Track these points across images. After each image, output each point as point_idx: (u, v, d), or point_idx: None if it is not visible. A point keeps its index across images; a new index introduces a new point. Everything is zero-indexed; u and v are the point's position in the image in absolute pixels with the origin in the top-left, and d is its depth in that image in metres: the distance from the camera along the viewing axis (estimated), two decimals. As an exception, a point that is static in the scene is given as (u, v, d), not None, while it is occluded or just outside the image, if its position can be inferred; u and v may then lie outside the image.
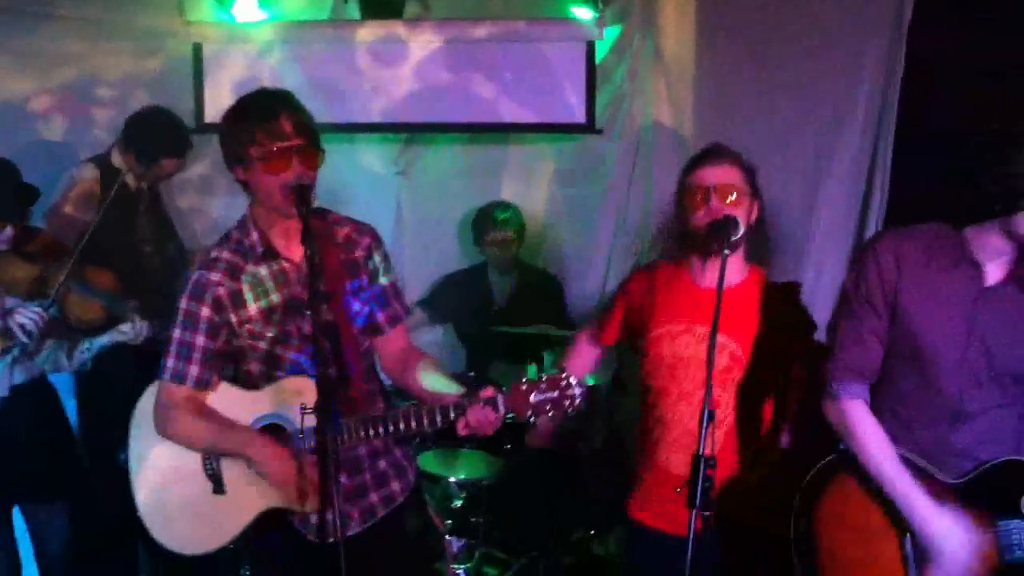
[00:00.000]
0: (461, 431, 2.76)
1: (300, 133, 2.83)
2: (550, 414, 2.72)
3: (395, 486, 3.12)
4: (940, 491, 2.71)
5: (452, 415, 2.75)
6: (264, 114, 2.84)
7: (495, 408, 2.71)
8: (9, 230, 3.95)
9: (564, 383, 2.71)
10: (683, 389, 3.19)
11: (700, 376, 3.11)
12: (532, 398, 2.69)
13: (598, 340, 3.56)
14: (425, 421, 2.79)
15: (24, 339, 3.80)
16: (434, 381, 2.95)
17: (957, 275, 2.72)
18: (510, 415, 2.75)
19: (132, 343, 4.17)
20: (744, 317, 3.16)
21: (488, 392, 2.73)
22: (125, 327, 4.14)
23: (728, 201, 3.11)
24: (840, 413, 2.82)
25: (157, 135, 4.68)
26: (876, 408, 2.83)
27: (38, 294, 3.98)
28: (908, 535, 2.74)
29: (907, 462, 2.74)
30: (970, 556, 2.67)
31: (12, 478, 4.07)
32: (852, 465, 2.81)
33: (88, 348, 4.14)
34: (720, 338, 3.11)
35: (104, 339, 4.16)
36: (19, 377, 4.05)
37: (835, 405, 2.84)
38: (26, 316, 3.79)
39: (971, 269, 2.71)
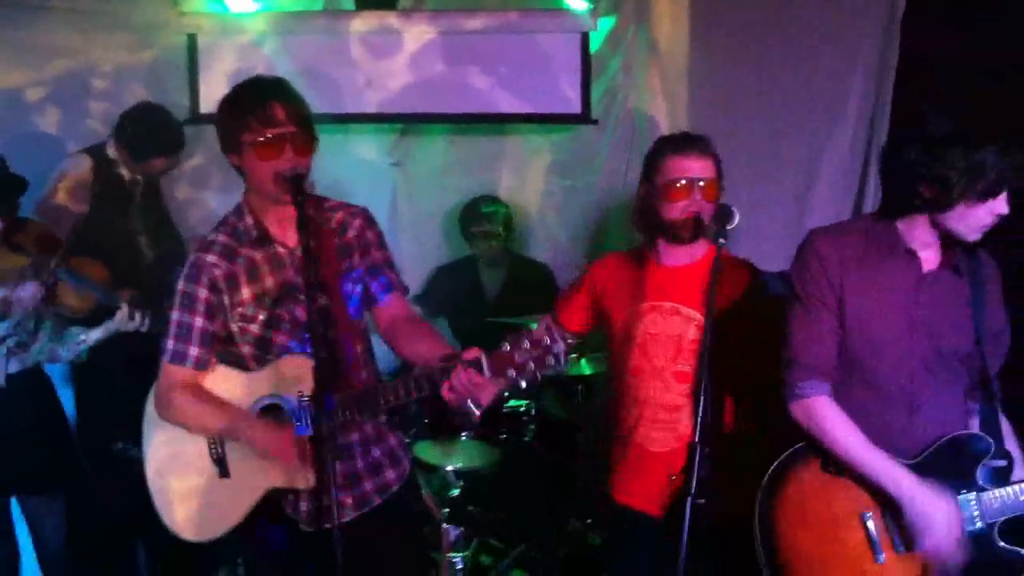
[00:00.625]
0: (446, 395, 2.72)
1: (293, 121, 2.85)
2: (535, 371, 2.70)
3: (390, 475, 3.14)
4: None
5: (438, 379, 2.74)
6: (256, 101, 2.86)
7: (479, 370, 2.69)
8: None
9: (547, 340, 2.69)
10: (655, 365, 3.24)
11: (671, 351, 3.21)
12: (516, 358, 2.68)
13: (560, 326, 3.53)
14: (412, 388, 2.79)
15: (19, 313, 3.80)
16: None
17: (896, 265, 2.80)
18: (511, 400, 2.75)
19: (126, 330, 4.17)
20: (705, 290, 3.15)
21: (473, 353, 2.71)
22: (117, 314, 4.15)
23: (709, 195, 3.20)
24: (808, 411, 2.81)
25: (149, 133, 4.70)
26: (844, 402, 2.85)
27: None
28: (870, 519, 2.77)
29: None
30: (959, 522, 2.70)
31: (7, 469, 4.09)
32: (806, 461, 2.83)
33: (84, 339, 4.14)
34: (686, 311, 3.20)
35: (99, 332, 4.17)
36: (13, 367, 4.06)
37: (801, 404, 2.83)
38: (26, 290, 3.80)
39: (908, 258, 2.80)
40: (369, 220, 3.14)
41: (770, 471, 2.85)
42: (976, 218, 2.67)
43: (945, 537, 2.68)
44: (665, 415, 3.21)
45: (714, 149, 3.28)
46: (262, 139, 2.83)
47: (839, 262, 2.81)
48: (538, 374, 2.70)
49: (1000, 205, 2.65)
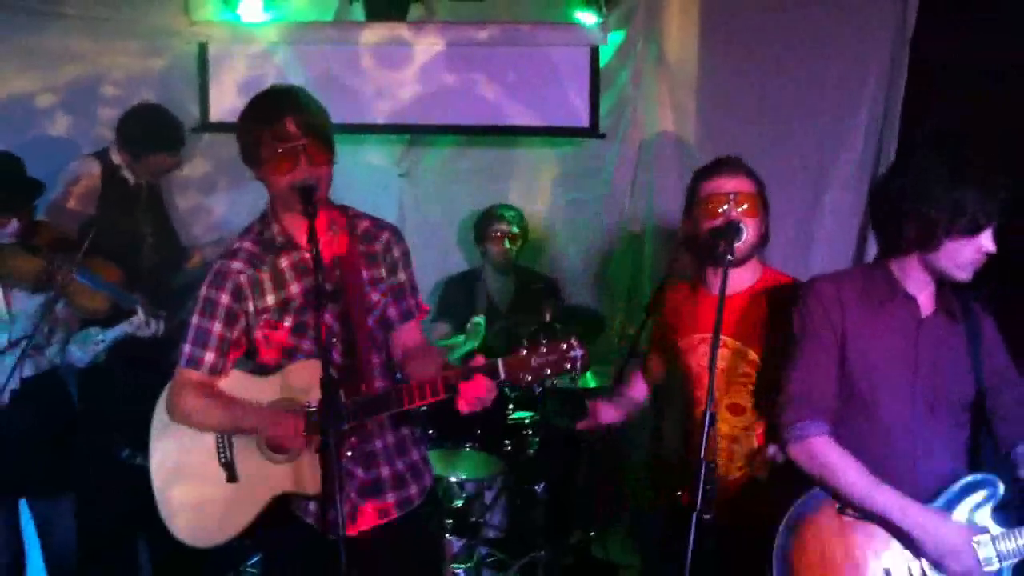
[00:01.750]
0: (462, 407, 2.72)
1: (307, 132, 2.86)
2: (550, 377, 2.69)
3: (413, 490, 3.12)
4: None
5: (453, 384, 2.73)
6: (269, 116, 2.88)
7: (495, 374, 2.69)
8: (15, 223, 3.99)
9: (565, 346, 2.68)
10: (705, 397, 3.17)
11: (721, 384, 3.16)
12: (533, 362, 2.68)
13: (647, 373, 3.58)
14: (428, 392, 2.78)
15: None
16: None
17: (895, 308, 2.80)
18: (509, 384, 2.74)
19: (142, 335, 4.18)
20: (760, 320, 3.15)
21: (479, 361, 2.72)
22: (134, 318, 4.16)
23: (746, 209, 3.14)
24: (811, 454, 2.76)
25: (146, 130, 4.71)
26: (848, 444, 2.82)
27: (44, 286, 4.01)
28: (886, 569, 2.75)
29: None
30: (969, 542, 2.69)
31: (20, 472, 4.09)
32: (821, 504, 2.79)
33: (102, 340, 4.16)
34: (737, 344, 3.14)
35: (117, 331, 4.18)
36: (29, 371, 4.07)
37: (802, 446, 2.78)
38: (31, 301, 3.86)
39: (907, 301, 2.80)
40: (398, 236, 3.15)
41: (788, 515, 2.81)
42: (964, 256, 2.67)
43: (968, 557, 2.68)
44: (726, 444, 3.16)
45: (748, 167, 3.23)
46: (275, 154, 2.85)
47: (839, 304, 2.80)
48: (554, 379, 2.70)
49: (987, 242, 2.66)
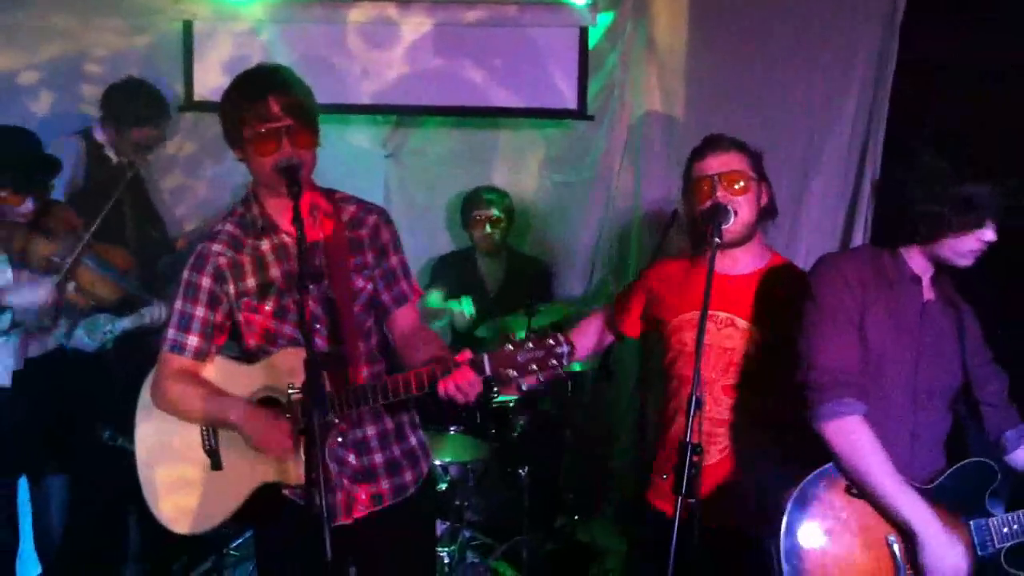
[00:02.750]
0: (441, 395, 2.70)
1: (290, 113, 2.81)
2: (537, 374, 2.66)
3: (407, 476, 3.08)
4: None
5: (437, 376, 2.70)
6: (251, 95, 2.82)
7: (480, 369, 2.67)
8: (30, 203, 3.93)
9: (551, 342, 2.65)
10: (705, 376, 3.15)
11: (721, 363, 3.15)
12: (519, 357, 2.65)
13: (613, 327, 3.54)
14: (413, 386, 2.75)
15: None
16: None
17: (903, 291, 2.83)
18: (495, 390, 2.72)
19: (154, 327, 4.15)
20: (766, 304, 3.13)
21: (466, 354, 2.69)
22: (146, 311, 4.14)
23: (735, 188, 3.11)
24: (845, 432, 2.71)
25: (131, 103, 4.70)
26: None
27: (53, 268, 3.95)
28: (895, 543, 2.75)
29: None
30: (967, 566, 2.70)
31: (20, 450, 4.06)
32: (831, 482, 2.78)
33: (110, 330, 4.11)
34: (742, 323, 3.13)
35: (127, 321, 4.14)
36: (35, 350, 4.04)
37: (838, 424, 2.72)
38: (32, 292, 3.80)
39: (913, 285, 2.84)
40: (385, 219, 3.09)
41: (796, 492, 2.78)
42: (965, 246, 2.74)
43: None
44: (710, 427, 3.12)
45: (739, 143, 3.19)
46: (257, 134, 2.80)
47: (859, 282, 2.80)
48: (541, 376, 2.66)
49: (988, 233, 2.72)
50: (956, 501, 2.78)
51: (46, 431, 4.17)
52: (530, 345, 2.65)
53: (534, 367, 2.65)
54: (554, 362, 2.65)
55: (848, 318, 2.77)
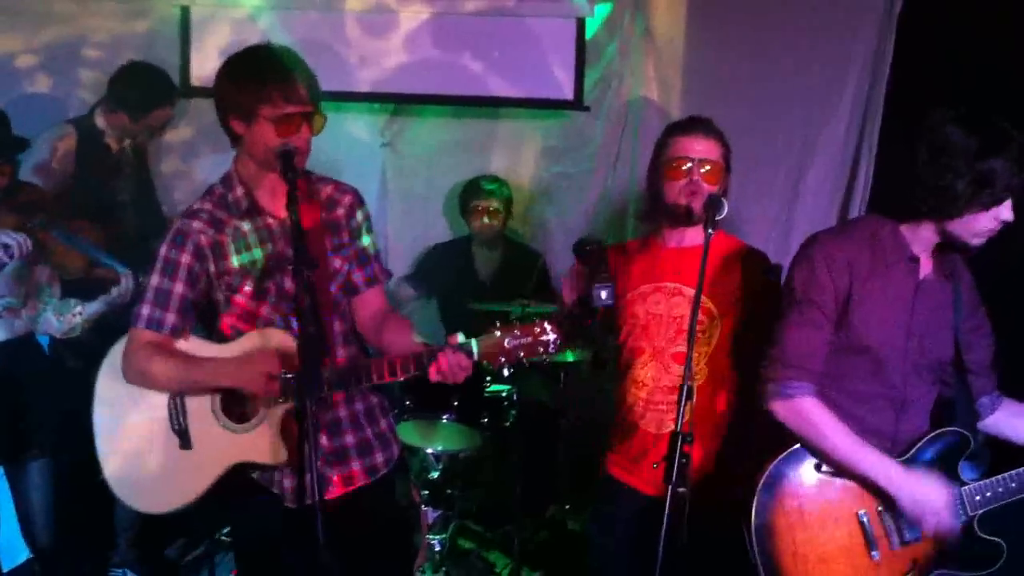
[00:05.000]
0: (433, 377, 2.73)
1: (313, 99, 2.84)
2: (523, 359, 2.72)
3: (379, 458, 3.11)
4: None
5: (425, 361, 2.73)
6: (282, 75, 2.81)
7: (468, 354, 2.71)
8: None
9: (538, 329, 2.71)
10: (655, 346, 3.24)
11: (671, 332, 3.21)
12: (506, 343, 2.70)
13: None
14: (398, 368, 2.77)
15: (5, 259, 3.73)
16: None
17: (899, 271, 2.84)
18: (485, 362, 2.75)
19: (122, 302, 4.09)
20: (712, 274, 3.18)
21: (457, 337, 2.73)
22: (114, 289, 4.09)
23: (707, 174, 3.17)
24: (796, 412, 2.82)
25: (146, 86, 4.68)
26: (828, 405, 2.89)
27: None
28: (866, 516, 2.82)
29: None
30: (950, 503, 2.77)
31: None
32: (800, 461, 2.85)
33: (80, 312, 4.05)
34: (689, 291, 3.17)
35: (97, 305, 4.10)
36: (2, 334, 4.02)
37: (788, 404, 2.83)
38: (10, 236, 3.73)
39: (911, 265, 2.84)
40: (359, 200, 3.11)
41: (766, 473, 2.86)
42: (980, 224, 2.70)
43: (944, 516, 2.75)
44: (662, 396, 3.21)
45: (718, 130, 3.26)
46: (283, 115, 2.78)
47: (847, 267, 2.82)
48: (525, 361, 2.71)
49: (1005, 211, 2.68)
50: (930, 470, 2.82)
51: (19, 415, 4.11)
52: (517, 332, 2.71)
53: (521, 354, 2.71)
54: (541, 350, 2.71)
55: (822, 309, 2.82)
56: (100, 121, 4.68)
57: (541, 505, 5.27)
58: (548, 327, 2.72)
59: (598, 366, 4.53)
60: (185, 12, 5.35)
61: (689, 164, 3.17)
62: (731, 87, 5.26)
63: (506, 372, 2.76)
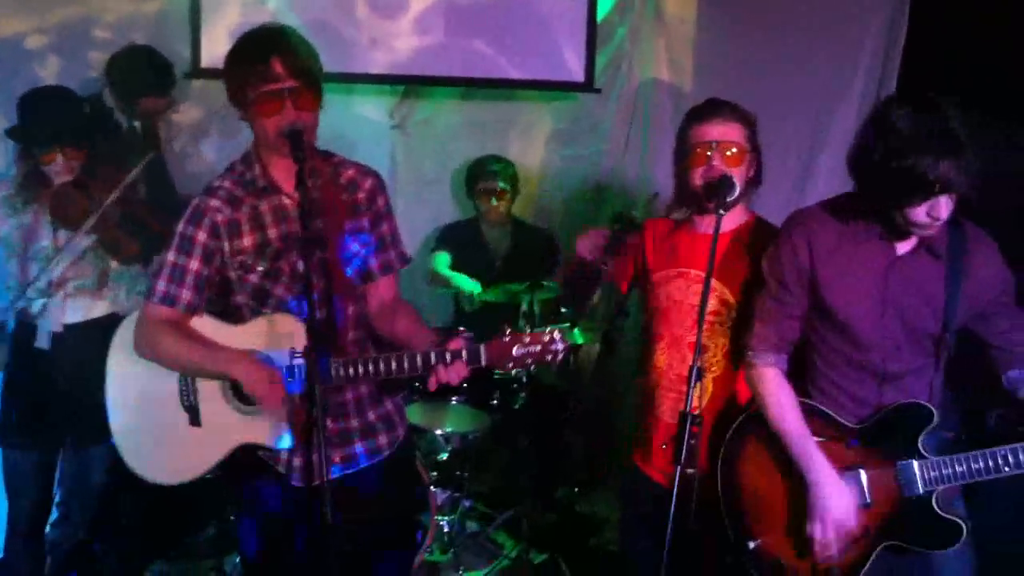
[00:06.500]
0: (432, 388, 2.78)
1: (294, 75, 2.79)
2: (531, 367, 2.76)
3: (382, 439, 3.11)
4: (843, 433, 2.91)
5: (434, 362, 2.75)
6: (255, 56, 2.80)
7: (475, 359, 2.73)
8: (60, 160, 3.88)
9: (547, 338, 2.73)
10: (674, 334, 3.21)
11: (691, 320, 3.14)
12: (515, 351, 2.72)
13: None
14: (406, 366, 2.79)
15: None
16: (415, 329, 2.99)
17: (870, 247, 2.86)
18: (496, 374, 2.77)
19: None
20: (737, 263, 3.16)
21: (457, 344, 2.75)
22: None
23: (730, 157, 3.12)
24: (758, 379, 2.97)
25: (135, 73, 4.67)
26: (808, 377, 2.99)
27: (83, 224, 3.85)
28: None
29: (812, 409, 2.93)
30: (851, 521, 2.83)
31: (60, 418, 3.97)
32: (762, 423, 2.97)
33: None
34: (714, 283, 3.12)
35: None
36: (76, 316, 3.97)
37: (752, 372, 3.00)
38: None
39: (883, 242, 2.86)
40: (381, 184, 3.10)
41: (737, 423, 3.04)
42: (916, 216, 2.70)
43: (830, 532, 2.83)
44: (679, 385, 3.15)
45: (740, 110, 3.21)
46: (261, 95, 2.79)
47: (807, 248, 2.89)
48: (532, 368, 2.75)
49: (937, 209, 2.66)
50: (888, 442, 2.87)
51: (85, 399, 4.07)
52: (527, 339, 2.74)
53: (530, 361, 2.75)
54: (549, 358, 2.74)
55: (785, 288, 2.93)
56: (109, 99, 4.69)
57: (550, 487, 5.28)
58: (557, 336, 2.75)
59: (607, 349, 4.54)
60: (195, -7, 5.34)
61: (708, 148, 3.13)
62: (743, 68, 5.24)
63: (514, 373, 2.76)
